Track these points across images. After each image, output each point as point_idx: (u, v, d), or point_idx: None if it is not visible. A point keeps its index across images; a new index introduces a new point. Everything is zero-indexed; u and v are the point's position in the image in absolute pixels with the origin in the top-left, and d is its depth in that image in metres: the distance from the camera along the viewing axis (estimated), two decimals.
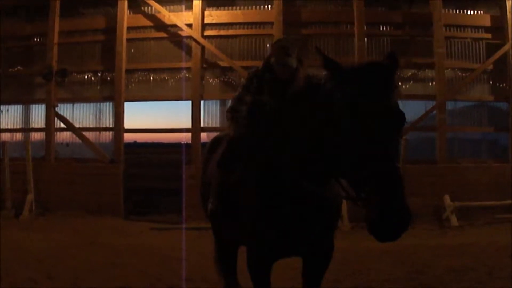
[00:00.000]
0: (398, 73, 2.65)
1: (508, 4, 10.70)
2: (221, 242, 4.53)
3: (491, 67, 10.86)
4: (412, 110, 10.84)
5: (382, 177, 2.31)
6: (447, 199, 9.74)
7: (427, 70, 10.95)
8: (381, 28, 11.06)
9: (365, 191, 2.37)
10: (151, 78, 11.28)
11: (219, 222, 3.99)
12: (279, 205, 3.05)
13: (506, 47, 10.62)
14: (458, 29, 11.03)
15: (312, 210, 3.04)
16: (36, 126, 12.00)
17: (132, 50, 11.35)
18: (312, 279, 3.40)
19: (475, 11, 11.10)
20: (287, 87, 3.45)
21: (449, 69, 10.93)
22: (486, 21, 10.95)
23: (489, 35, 10.96)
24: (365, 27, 10.62)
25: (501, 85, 10.93)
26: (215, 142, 4.43)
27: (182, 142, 11.42)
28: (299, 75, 3.53)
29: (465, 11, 11.08)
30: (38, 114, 12.02)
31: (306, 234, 3.12)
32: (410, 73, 11.00)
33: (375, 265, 6.62)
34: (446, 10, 10.93)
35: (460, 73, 11.02)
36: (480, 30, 11.03)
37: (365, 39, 10.65)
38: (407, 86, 10.95)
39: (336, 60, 2.63)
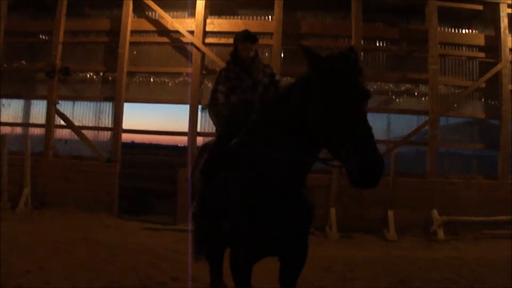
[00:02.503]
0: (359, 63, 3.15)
1: (502, 24, 10.88)
2: (203, 244, 4.79)
3: (483, 85, 11.00)
4: (404, 124, 11.07)
5: (361, 136, 2.76)
6: (435, 213, 9.83)
7: (421, 85, 11.10)
8: (378, 43, 11.20)
9: (345, 151, 2.76)
10: (152, 81, 11.45)
11: (202, 224, 4.26)
12: (260, 207, 3.34)
13: (499, 66, 10.80)
14: (453, 47, 11.19)
15: (289, 211, 3.34)
16: (36, 122, 12.10)
17: (135, 53, 11.50)
18: (288, 279, 3.65)
19: (471, 30, 11.29)
20: (250, 73, 4.30)
21: (442, 86, 11.05)
22: (481, 40, 11.13)
23: (482, 54, 11.13)
24: (362, 42, 10.79)
25: (493, 103, 11.10)
26: (203, 148, 4.72)
27: (179, 145, 11.60)
28: (258, 61, 4.45)
29: (460, 30, 11.26)
30: (38, 110, 12.13)
31: (284, 235, 3.39)
32: (404, 88, 11.18)
33: (360, 274, 6.79)
34: (442, 28, 11.08)
35: (453, 90, 11.16)
36: (474, 49, 11.20)
37: (362, 53, 10.78)
38: (401, 100, 11.15)
39: (313, 51, 3.19)
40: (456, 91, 11.17)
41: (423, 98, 11.08)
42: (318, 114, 2.98)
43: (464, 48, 11.25)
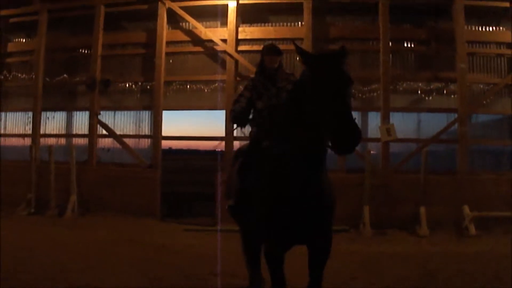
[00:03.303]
0: (347, 58, 3.71)
1: None
2: (245, 238, 5.22)
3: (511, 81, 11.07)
4: (434, 123, 11.19)
5: (341, 114, 3.21)
6: (466, 209, 9.91)
7: (450, 84, 11.22)
8: (406, 44, 11.39)
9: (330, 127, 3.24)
10: (188, 88, 11.90)
11: (238, 217, 4.71)
12: (285, 198, 3.77)
13: None
14: (481, 45, 11.28)
15: (312, 201, 3.75)
16: (79, 132, 12.65)
17: (171, 61, 11.97)
18: (315, 266, 4.03)
19: (498, 28, 11.36)
20: (274, 82, 4.84)
21: (471, 84, 11.16)
22: (508, 37, 11.16)
23: (510, 51, 11.19)
24: (390, 43, 11.01)
25: None
26: (238, 152, 5.19)
27: (217, 150, 11.98)
28: (283, 72, 4.95)
29: (487, 27, 11.35)
30: (80, 121, 12.68)
31: (308, 223, 3.79)
32: (433, 87, 11.33)
33: (391, 267, 7.05)
34: (469, 27, 11.20)
35: (482, 87, 11.26)
36: (502, 46, 11.28)
37: (390, 54, 11.04)
38: (431, 99, 11.31)
39: (307, 51, 3.79)
40: (485, 88, 11.26)
41: (452, 96, 11.20)
42: (311, 103, 3.45)
43: (491, 46, 11.33)
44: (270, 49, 5.03)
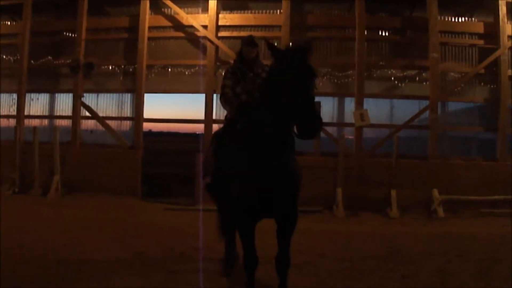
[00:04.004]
0: (311, 53, 3.99)
1: (501, 12, 11.26)
2: (221, 214, 5.62)
3: (483, 71, 11.44)
4: (407, 109, 11.57)
5: (303, 104, 3.59)
6: (435, 192, 10.31)
7: (423, 72, 11.58)
8: (381, 32, 11.71)
9: (295, 116, 3.63)
10: (169, 72, 12.18)
11: (214, 194, 5.11)
12: (254, 174, 4.17)
13: (497, 53, 11.22)
14: (454, 35, 11.62)
15: (279, 178, 4.14)
16: (63, 114, 12.91)
17: (153, 44, 12.22)
18: (283, 238, 4.42)
19: (471, 19, 11.72)
20: (252, 69, 5.27)
21: (444, 72, 11.52)
22: (480, 28, 11.53)
23: (481, 41, 11.54)
24: (365, 32, 11.32)
25: (492, 87, 11.55)
26: (215, 135, 5.60)
27: (197, 133, 12.29)
28: (259, 61, 5.38)
29: (460, 18, 11.69)
30: (64, 103, 12.94)
31: (275, 197, 4.18)
32: (406, 74, 11.69)
33: (359, 245, 7.45)
34: (443, 17, 11.53)
35: (454, 76, 11.61)
36: (474, 36, 11.61)
37: (365, 42, 11.36)
38: (403, 86, 11.68)
39: (275, 45, 4.08)
40: (457, 77, 11.61)
41: (425, 84, 11.55)
42: (277, 93, 3.80)
43: (464, 36, 11.66)
44: (248, 41, 5.45)
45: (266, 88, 4.12)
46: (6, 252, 6.24)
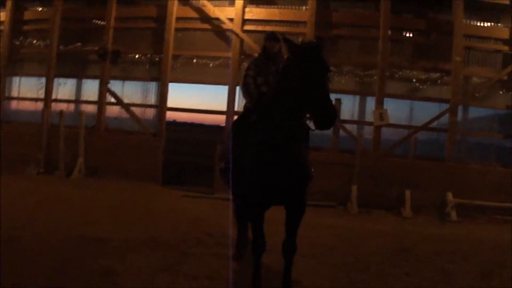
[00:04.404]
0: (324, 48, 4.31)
1: None
2: (235, 199, 5.87)
3: (506, 77, 11.38)
4: (427, 111, 11.56)
5: (318, 95, 3.79)
6: (449, 195, 10.30)
7: (445, 75, 11.54)
8: (405, 33, 11.76)
9: (311, 107, 3.86)
10: (194, 63, 12.40)
11: (227, 179, 5.36)
12: (266, 162, 4.38)
13: None
14: (478, 40, 11.57)
15: (289, 168, 4.35)
16: (89, 99, 13.24)
17: (180, 35, 12.45)
18: (291, 225, 4.62)
19: (496, 24, 11.63)
20: (274, 63, 5.48)
21: (466, 76, 11.53)
22: (505, 34, 11.45)
23: (506, 47, 11.47)
24: (389, 32, 11.40)
25: None
26: (233, 123, 5.85)
27: (220, 125, 12.52)
28: (281, 55, 5.55)
29: (486, 23, 11.62)
30: (90, 88, 13.23)
31: (285, 186, 4.40)
32: (428, 77, 11.67)
33: (369, 241, 7.56)
34: (468, 21, 11.49)
35: (477, 81, 11.61)
36: (498, 42, 11.56)
37: (389, 42, 11.42)
38: (425, 88, 11.69)
39: (292, 40, 4.31)
40: (479, 82, 11.60)
41: (446, 87, 11.54)
42: (293, 85, 4.00)
43: (488, 41, 11.61)
44: (271, 36, 5.73)
45: (282, 81, 4.35)
46: (30, 226, 6.63)
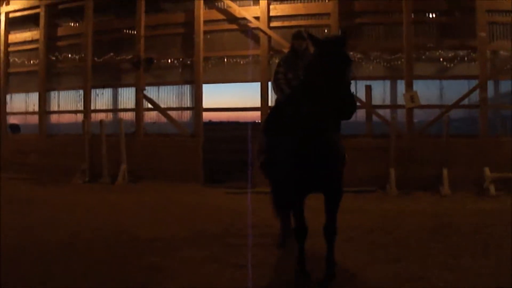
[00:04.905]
0: (348, 40, 4.48)
1: None
2: (275, 190, 6.21)
3: None
4: (457, 89, 11.71)
5: (339, 88, 4.02)
6: (487, 170, 10.38)
7: (471, 52, 11.58)
8: (428, 15, 11.85)
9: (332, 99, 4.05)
10: (225, 63, 12.78)
11: (267, 172, 5.72)
12: (301, 153, 4.68)
13: None
14: (501, 14, 11.54)
15: (323, 156, 4.65)
16: (126, 107, 13.76)
17: (209, 37, 12.85)
18: (330, 209, 4.92)
19: None
20: (302, 59, 5.69)
21: (494, 51, 11.55)
22: None
23: None
24: (412, 15, 11.53)
25: None
26: (266, 118, 6.25)
27: (256, 121, 12.81)
28: (308, 51, 5.77)
29: None
30: (127, 96, 13.77)
31: (321, 173, 4.70)
32: (455, 55, 11.71)
33: (408, 221, 7.76)
34: None
35: (505, 54, 11.54)
36: None
37: (412, 26, 11.54)
38: (452, 66, 11.76)
39: (315, 36, 4.57)
40: (507, 55, 11.54)
41: (474, 63, 11.60)
42: (317, 78, 4.26)
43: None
44: (297, 35, 6.05)
45: (307, 74, 4.67)
46: (82, 231, 7.10)
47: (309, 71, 4.62)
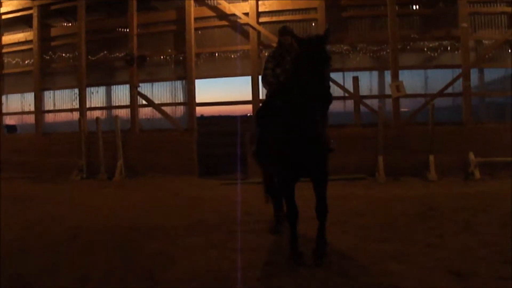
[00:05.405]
0: (329, 38, 4.79)
1: None
2: (266, 176, 6.64)
3: None
4: (441, 78, 12.04)
5: (316, 82, 4.42)
6: (471, 155, 10.80)
7: (454, 42, 11.97)
8: (412, 7, 12.21)
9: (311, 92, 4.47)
10: (216, 59, 13.10)
11: (259, 160, 6.17)
12: (290, 142, 5.04)
13: None
14: (482, 5, 11.92)
15: (308, 145, 5.01)
16: (121, 104, 14.05)
17: (200, 33, 13.15)
18: (318, 192, 5.27)
19: None
20: (289, 53, 6.07)
21: (477, 40, 11.98)
22: None
23: (510, 9, 11.81)
24: (396, 8, 11.89)
25: None
26: (258, 110, 6.63)
27: (248, 115, 13.13)
28: (294, 46, 5.85)
29: None
30: (121, 93, 14.06)
31: (308, 160, 5.08)
32: (438, 45, 12.10)
33: (397, 205, 8.09)
34: None
35: (487, 43, 11.99)
36: (503, 4, 11.89)
37: (397, 18, 11.90)
38: (436, 56, 12.14)
39: (297, 35, 5.01)
40: (489, 44, 12.00)
41: (457, 53, 11.99)
42: (300, 73, 4.68)
43: (492, 5, 11.96)
44: (282, 31, 6.42)
45: (292, 69, 5.07)
46: (85, 224, 7.34)
47: (293, 68, 5.02)
